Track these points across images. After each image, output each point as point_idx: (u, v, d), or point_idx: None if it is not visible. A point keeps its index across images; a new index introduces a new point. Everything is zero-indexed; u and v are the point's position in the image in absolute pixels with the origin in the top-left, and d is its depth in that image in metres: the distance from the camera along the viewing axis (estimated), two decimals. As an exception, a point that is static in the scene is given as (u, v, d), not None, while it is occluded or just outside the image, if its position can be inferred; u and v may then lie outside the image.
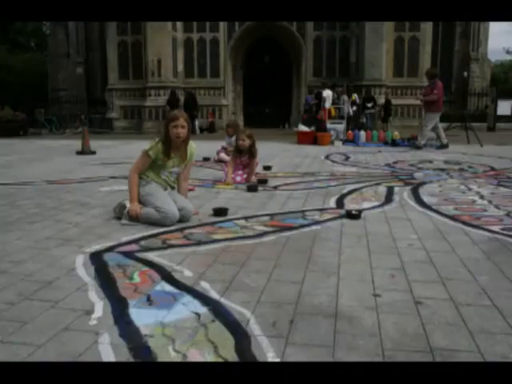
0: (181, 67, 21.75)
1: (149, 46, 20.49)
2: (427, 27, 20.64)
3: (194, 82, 21.72)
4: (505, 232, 3.90)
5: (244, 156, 6.22)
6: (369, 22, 19.35)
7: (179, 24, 21.31)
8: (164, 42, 20.51)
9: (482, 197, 5.37)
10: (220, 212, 4.34)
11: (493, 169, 7.82)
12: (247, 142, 6.07)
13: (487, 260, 3.23)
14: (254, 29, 21.58)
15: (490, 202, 5.10)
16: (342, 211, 4.55)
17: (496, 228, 4.03)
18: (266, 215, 4.41)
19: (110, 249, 3.39)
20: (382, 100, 18.93)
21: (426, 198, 5.24)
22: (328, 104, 14.96)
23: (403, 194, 5.51)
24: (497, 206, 4.86)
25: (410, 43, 20.70)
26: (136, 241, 3.58)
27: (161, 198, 4.06)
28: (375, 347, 2.04)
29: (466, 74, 19.77)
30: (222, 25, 21.52)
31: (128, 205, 4.15)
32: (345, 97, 16.43)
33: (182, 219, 4.07)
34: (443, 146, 11.59)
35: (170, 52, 20.82)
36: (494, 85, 26.04)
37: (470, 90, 24.44)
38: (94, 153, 10.54)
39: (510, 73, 42.19)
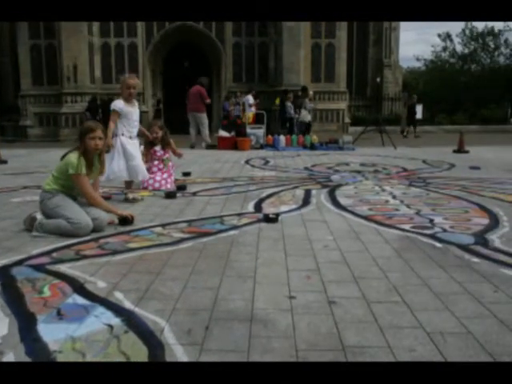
0: (98, 73, 21.20)
1: (64, 51, 19.82)
2: (342, 34, 21.27)
3: (112, 88, 21.18)
4: (415, 230, 4.08)
5: (157, 146, 6.27)
6: (286, 29, 19.70)
7: (95, 28, 20.79)
8: (80, 46, 19.92)
9: (394, 197, 5.58)
10: (126, 221, 4.24)
11: (405, 170, 8.16)
12: (160, 134, 6.26)
13: (398, 257, 3.35)
14: (173, 34, 21.41)
15: (401, 201, 5.31)
16: (260, 215, 4.58)
17: (407, 226, 4.20)
18: (184, 222, 4.37)
19: (19, 262, 3.23)
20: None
21: (341, 200, 5.38)
22: (249, 109, 15.07)
23: (320, 196, 5.63)
24: (408, 206, 5.06)
25: (326, 50, 21.26)
26: (48, 253, 3.44)
27: (71, 209, 3.92)
28: (289, 349, 2.07)
29: (378, 79, 20.52)
30: (140, 29, 21.20)
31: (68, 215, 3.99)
32: (305, 100, 16.46)
33: (96, 229, 3.95)
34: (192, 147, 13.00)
35: (86, 57, 20.24)
36: (406, 90, 27.25)
37: (384, 94, 25.47)
38: (5, 162, 10.04)
39: (421, 79, 44.30)
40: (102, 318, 2.36)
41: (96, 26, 20.82)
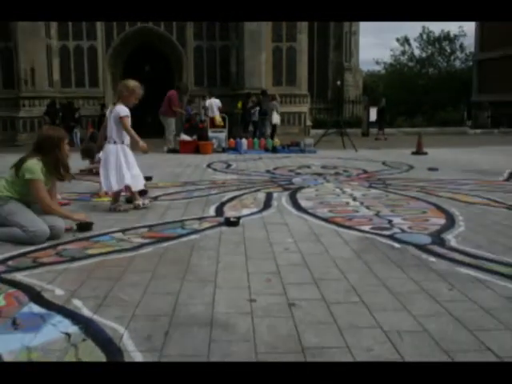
0: (57, 76, 20.79)
1: (20, 54, 19.35)
2: (303, 38, 21.43)
3: (71, 92, 20.84)
4: (374, 231, 4.15)
5: None
6: (247, 32, 19.74)
7: (53, 31, 20.39)
8: (37, 49, 19.48)
9: (354, 199, 5.66)
10: (84, 227, 4.17)
11: (365, 172, 8.28)
12: None
13: (357, 259, 3.40)
14: (133, 37, 21.17)
15: (361, 203, 5.38)
16: (221, 219, 4.58)
17: (366, 228, 4.26)
18: (144, 227, 4.33)
19: (-28, 271, 3.15)
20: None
21: (302, 203, 5.42)
22: (211, 113, 15.01)
23: (281, 199, 5.66)
24: (367, 207, 5.14)
25: (287, 53, 21.37)
26: (3, 261, 3.35)
27: (26, 217, 3.81)
28: (249, 352, 2.07)
29: (339, 82, 20.78)
30: (100, 33, 20.89)
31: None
32: (274, 103, 16.13)
33: (54, 237, 3.85)
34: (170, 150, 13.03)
35: (44, 60, 19.80)
36: (366, 93, 27.68)
37: (345, 97, 25.80)
38: (-41, 168, 9.76)
39: (380, 82, 45.13)
40: (59, 326, 2.32)
41: (54, 28, 20.41)
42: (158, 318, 2.40)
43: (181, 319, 2.39)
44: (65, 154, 4.07)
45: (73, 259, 3.38)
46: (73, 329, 2.28)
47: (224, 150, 12.91)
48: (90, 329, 2.28)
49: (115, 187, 5.06)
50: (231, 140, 13.58)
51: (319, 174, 7.92)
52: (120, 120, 5.04)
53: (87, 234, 4.05)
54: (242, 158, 10.95)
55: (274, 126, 16.03)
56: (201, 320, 2.37)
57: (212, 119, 14.64)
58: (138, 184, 5.22)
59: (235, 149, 13.04)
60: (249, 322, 2.36)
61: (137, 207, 5.13)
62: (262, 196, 5.86)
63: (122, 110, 5.05)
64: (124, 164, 5.05)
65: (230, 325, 2.32)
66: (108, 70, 21.33)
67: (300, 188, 6.46)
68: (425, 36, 42.24)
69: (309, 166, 9.15)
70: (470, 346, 2.13)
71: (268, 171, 8.53)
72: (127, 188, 5.15)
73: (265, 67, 20.45)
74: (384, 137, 18.84)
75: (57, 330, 2.28)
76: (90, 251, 3.57)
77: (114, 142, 5.09)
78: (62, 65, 20.99)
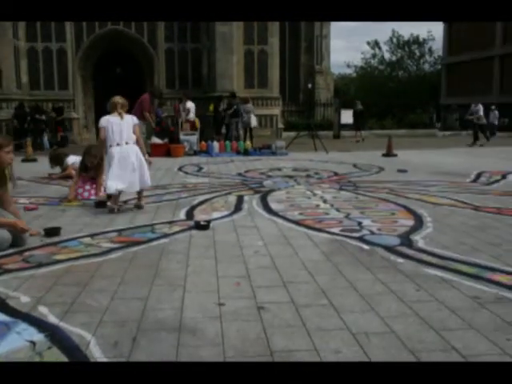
0: (25, 78, 20.43)
1: (-13, 55, 19.00)
2: (274, 41, 21.51)
3: (40, 95, 20.50)
4: (343, 233, 4.18)
5: (90, 172, 6.06)
6: (218, 35, 19.75)
7: (21, 32, 20.04)
8: (4, 50, 19.11)
9: (325, 201, 5.69)
10: (52, 232, 4.11)
11: (336, 174, 8.33)
12: (96, 161, 5.95)
13: (327, 261, 3.42)
14: (104, 39, 20.95)
15: (332, 205, 5.42)
16: (192, 223, 4.56)
17: (336, 230, 4.30)
18: (114, 231, 4.28)
19: None
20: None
21: (273, 205, 5.43)
22: (193, 115, 14.84)
23: (252, 202, 5.66)
24: (338, 209, 5.18)
25: (259, 56, 21.42)
26: (-33, 268, 3.28)
27: None
28: (217, 356, 2.07)
29: (310, 85, 20.95)
30: (69, 35, 20.59)
31: None
32: (250, 106, 16.05)
33: (17, 244, 3.75)
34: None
35: (11, 62, 19.45)
36: (338, 96, 27.88)
37: (316, 100, 25.96)
38: None
39: (351, 84, 45.56)
40: (24, 334, 2.28)
41: (22, 29, 20.07)
42: (125, 323, 2.38)
43: (149, 325, 2.37)
44: (7, 161, 3.93)
45: (40, 265, 3.32)
46: (38, 337, 2.25)
47: (195, 153, 12.85)
48: (55, 336, 2.25)
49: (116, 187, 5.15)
50: (203, 143, 13.51)
51: (290, 177, 7.94)
52: (135, 127, 5.39)
53: (55, 239, 3.99)
54: (213, 161, 10.91)
55: (250, 129, 16.03)
56: (169, 325, 2.36)
57: (193, 122, 14.45)
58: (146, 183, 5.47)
59: (207, 152, 12.98)
60: (217, 326, 2.35)
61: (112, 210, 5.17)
62: (232, 199, 5.85)
63: (136, 119, 5.55)
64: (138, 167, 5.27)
65: (198, 329, 2.32)
66: (78, 72, 21.08)
67: (271, 191, 6.47)
68: (395, 40, 42.83)
69: (280, 169, 9.17)
70: (436, 345, 2.17)
71: (239, 174, 8.51)
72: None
73: (236, 69, 20.46)
74: (356, 139, 19.00)
75: (21, 338, 2.24)
76: (58, 257, 3.52)
77: (126, 143, 5.23)
78: (30, 67, 20.65)
